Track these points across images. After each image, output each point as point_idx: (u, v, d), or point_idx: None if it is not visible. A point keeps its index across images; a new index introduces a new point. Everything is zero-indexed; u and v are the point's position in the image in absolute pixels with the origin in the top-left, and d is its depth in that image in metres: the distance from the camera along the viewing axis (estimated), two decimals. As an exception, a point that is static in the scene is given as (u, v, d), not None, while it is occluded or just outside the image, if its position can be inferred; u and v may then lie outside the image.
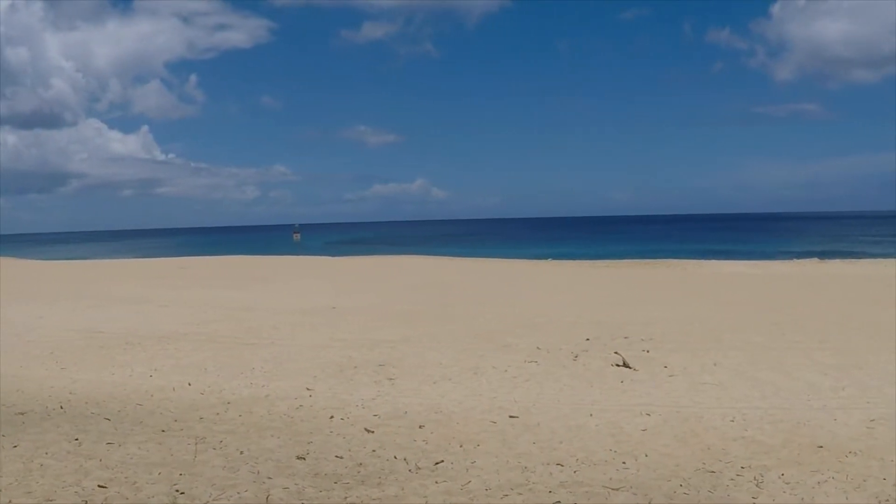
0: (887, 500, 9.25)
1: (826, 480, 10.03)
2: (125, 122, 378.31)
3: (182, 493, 9.33)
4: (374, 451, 11.53)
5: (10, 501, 8.96)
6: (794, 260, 62.86)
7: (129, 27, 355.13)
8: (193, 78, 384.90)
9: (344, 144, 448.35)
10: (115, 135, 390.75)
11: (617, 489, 9.70)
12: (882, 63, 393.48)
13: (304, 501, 9.17)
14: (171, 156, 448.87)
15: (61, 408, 14.17)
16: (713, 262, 62.30)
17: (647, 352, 19.47)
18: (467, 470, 10.56)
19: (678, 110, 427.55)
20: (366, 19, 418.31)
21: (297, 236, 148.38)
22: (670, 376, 16.80)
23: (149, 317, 27.81)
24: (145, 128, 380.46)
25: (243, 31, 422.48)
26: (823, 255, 68.45)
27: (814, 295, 35.05)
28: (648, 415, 13.59)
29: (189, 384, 16.42)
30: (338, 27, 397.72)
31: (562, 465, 10.78)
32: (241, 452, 11.35)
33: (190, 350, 20.57)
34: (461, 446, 11.79)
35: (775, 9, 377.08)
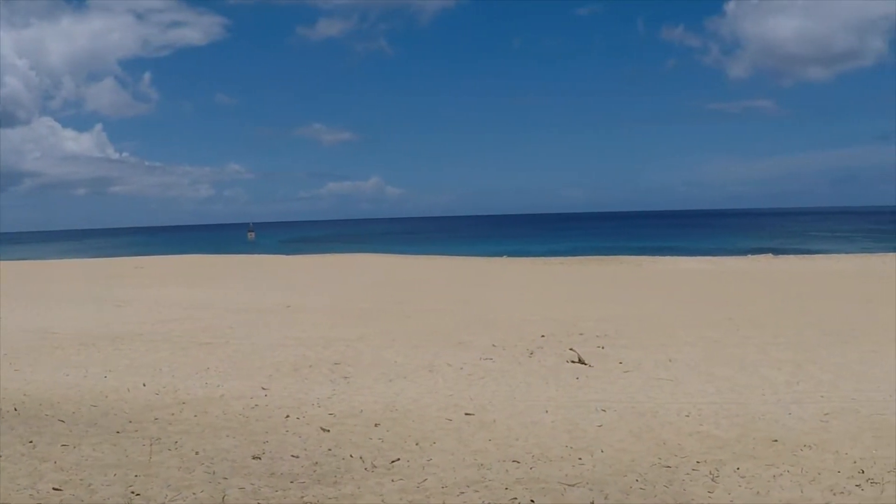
0: (842, 493, 9.37)
1: (781, 474, 10.14)
2: (79, 120, 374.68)
3: (137, 495, 9.30)
4: (329, 449, 11.54)
5: (-37, 505, 8.91)
6: (749, 256, 63.34)
7: (82, 24, 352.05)
8: (148, 76, 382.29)
9: (299, 142, 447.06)
10: (69, 133, 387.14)
11: (573, 485, 9.77)
12: (835, 61, 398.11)
13: (259, 501, 9.17)
14: (125, 154, 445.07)
15: (15, 410, 14.04)
16: (668, 258, 62.67)
17: (603, 348, 19.58)
18: (423, 468, 10.60)
19: (632, 107, 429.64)
20: (321, 16, 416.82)
21: (251, 235, 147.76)
22: (625, 372, 16.91)
23: (103, 317, 27.60)
24: (99, 126, 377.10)
25: (198, 29, 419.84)
26: (777, 251, 69.03)
27: (768, 291, 35.36)
28: (604, 411, 13.67)
29: (144, 385, 16.33)
30: (293, 24, 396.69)
31: (518, 462, 10.84)
32: (197, 453, 11.32)
33: (145, 350, 20.44)
34: (417, 444, 11.82)
35: (730, 6, 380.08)
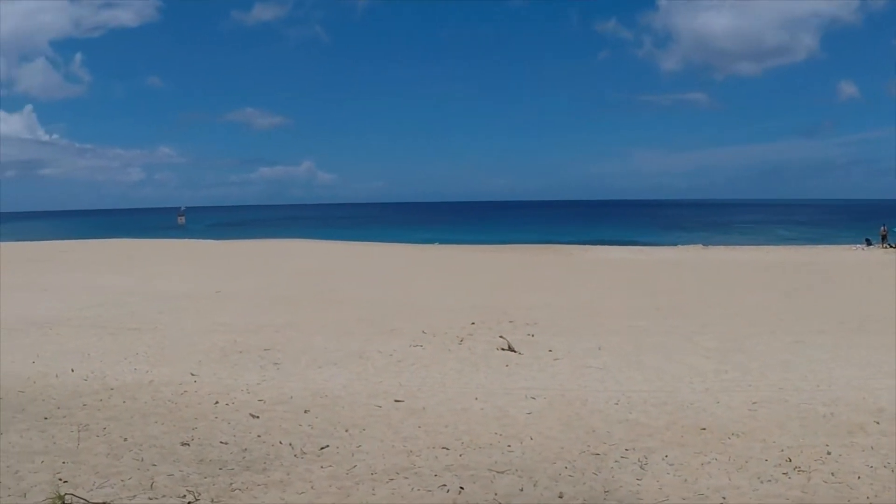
0: (769, 480, 9.55)
1: (709, 462, 10.33)
2: (8, 101, 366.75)
3: (65, 482, 9.24)
4: (259, 436, 11.54)
5: None
6: (678, 246, 64.03)
7: (14, 3, 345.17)
8: (79, 56, 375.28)
9: (230, 126, 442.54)
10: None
11: (502, 472, 9.86)
12: (765, 56, 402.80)
13: (188, 488, 9.15)
14: (55, 136, 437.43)
15: (-62, 395, 13.88)
16: (598, 247, 63.18)
17: (532, 336, 19.74)
18: (353, 454, 10.64)
19: (564, 98, 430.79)
20: (256, 1, 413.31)
21: (182, 219, 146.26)
22: (555, 360, 17.06)
23: (30, 302, 27.21)
24: (29, 107, 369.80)
25: (130, 10, 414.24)
26: (706, 241, 69.82)
27: (696, 280, 35.82)
28: (533, 398, 13.80)
29: (72, 370, 16.18)
30: (228, 8, 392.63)
31: (447, 449, 10.92)
32: (125, 439, 11.26)
33: (72, 335, 20.23)
34: (347, 431, 11.86)
35: (663, 1, 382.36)
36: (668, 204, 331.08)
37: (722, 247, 62.98)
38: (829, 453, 10.60)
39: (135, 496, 8.88)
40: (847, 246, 58.76)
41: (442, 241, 74.34)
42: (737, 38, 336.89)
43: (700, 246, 63.56)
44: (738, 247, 62.74)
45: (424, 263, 47.04)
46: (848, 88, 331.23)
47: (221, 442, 11.22)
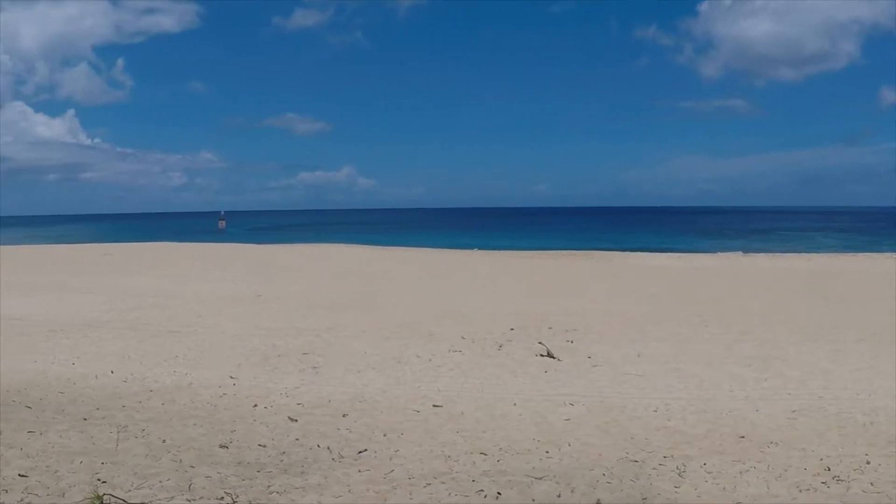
0: (808, 490, 9.44)
1: (748, 470, 10.21)
2: (51, 105, 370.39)
3: (104, 482, 9.26)
4: (297, 439, 11.55)
5: (-73, 490, 8.86)
6: (718, 253, 63.59)
7: (57, 9, 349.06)
8: (121, 62, 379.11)
9: (271, 132, 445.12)
10: (41, 118, 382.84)
11: (540, 478, 9.80)
12: (805, 62, 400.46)
13: (226, 490, 9.16)
14: (96, 140, 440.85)
15: (-20, 396, 13.99)
16: (638, 254, 62.80)
17: (572, 342, 19.64)
18: (390, 459, 10.62)
19: (605, 104, 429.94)
20: (297, 7, 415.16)
21: (222, 224, 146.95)
22: (594, 367, 16.97)
23: (71, 304, 27.43)
24: (71, 111, 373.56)
25: (172, 16, 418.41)
26: (746, 249, 69.32)
27: (737, 288, 35.48)
28: (572, 405, 13.72)
29: (112, 372, 16.28)
30: (269, 14, 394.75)
31: (485, 455, 10.87)
32: (164, 441, 11.30)
33: (113, 338, 20.36)
34: (385, 435, 11.83)
35: (703, 7, 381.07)
36: (707, 211, 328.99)
37: (762, 254, 62.38)
38: (868, 463, 10.46)
39: (173, 497, 8.89)
40: (889, 254, 58.09)
41: (481, 247, 74.21)
42: (777, 44, 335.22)
43: (740, 253, 63.02)
44: (778, 254, 62.13)
45: (464, 269, 46.93)
46: (889, 95, 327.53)
47: (260, 445, 11.23)
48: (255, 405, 13.65)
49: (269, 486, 9.34)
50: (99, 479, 9.37)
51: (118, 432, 11.66)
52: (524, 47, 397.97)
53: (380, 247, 75.07)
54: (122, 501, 8.53)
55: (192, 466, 10.07)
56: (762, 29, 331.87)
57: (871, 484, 9.63)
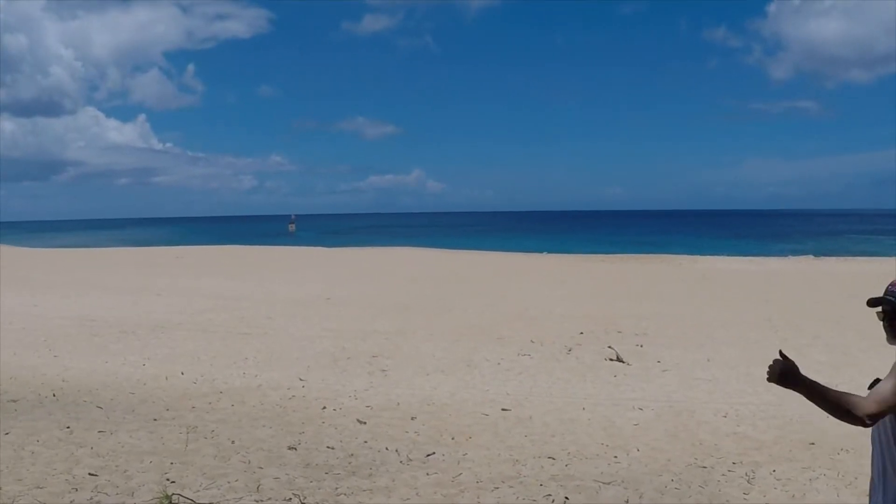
0: (877, 498, 9.25)
1: (817, 477, 10.04)
2: (123, 110, 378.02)
3: (172, 482, 9.33)
4: (365, 442, 11.54)
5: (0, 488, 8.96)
6: (789, 257, 62.87)
7: (128, 16, 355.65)
8: (192, 67, 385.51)
9: (341, 135, 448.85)
10: (113, 123, 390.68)
11: (608, 483, 9.71)
12: (876, 63, 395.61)
13: (294, 491, 9.16)
14: (168, 145, 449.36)
15: (53, 395, 14.17)
16: (707, 257, 62.18)
17: (641, 346, 19.49)
18: (458, 462, 10.57)
19: (675, 106, 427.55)
20: (366, 12, 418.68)
21: (293, 227, 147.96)
22: (663, 371, 16.82)
23: (143, 305, 27.80)
24: (143, 116, 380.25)
25: (243, 22, 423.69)
26: (817, 252, 68.45)
27: (808, 292, 35.04)
28: (641, 409, 13.60)
29: (182, 373, 16.42)
30: (338, 19, 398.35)
31: (553, 459, 10.79)
32: (233, 442, 11.35)
33: (183, 339, 20.56)
34: (453, 438, 11.80)
35: (771, 8, 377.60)
36: (777, 214, 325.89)
37: (833, 258, 61.57)
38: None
39: (241, 498, 8.92)
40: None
41: (550, 250, 73.99)
42: (847, 44, 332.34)
43: (811, 257, 62.27)
44: (850, 258, 61.31)
45: (534, 272, 46.81)
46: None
47: (328, 447, 11.24)
48: (324, 407, 13.68)
49: (336, 488, 9.33)
50: (168, 479, 9.44)
51: (188, 433, 11.74)
52: (593, 48, 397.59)
53: (449, 250, 75.19)
54: (190, 501, 8.57)
55: (261, 467, 10.10)
56: (832, 29, 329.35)
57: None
